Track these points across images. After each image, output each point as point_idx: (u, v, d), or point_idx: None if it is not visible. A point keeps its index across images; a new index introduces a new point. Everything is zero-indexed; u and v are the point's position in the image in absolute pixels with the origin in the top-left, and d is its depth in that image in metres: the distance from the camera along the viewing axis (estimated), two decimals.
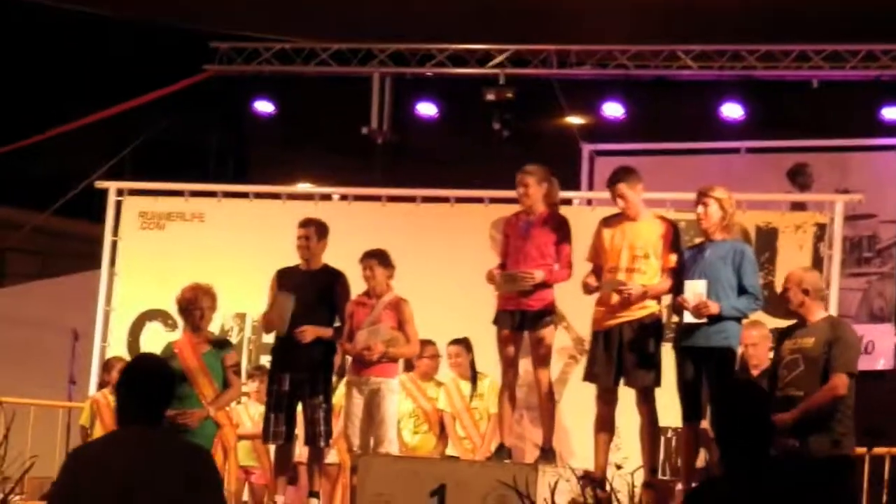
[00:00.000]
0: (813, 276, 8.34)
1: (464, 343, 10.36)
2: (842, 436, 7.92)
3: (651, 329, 8.67)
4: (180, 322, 11.25)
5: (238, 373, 9.71)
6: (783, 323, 10.50)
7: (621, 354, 8.67)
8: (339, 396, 9.89)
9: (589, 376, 8.93)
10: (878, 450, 8.60)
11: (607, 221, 8.91)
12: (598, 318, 8.79)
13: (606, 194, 9.12)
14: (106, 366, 11.09)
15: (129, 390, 5.24)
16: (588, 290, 8.86)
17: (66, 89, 13.33)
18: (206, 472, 5.16)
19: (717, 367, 8.33)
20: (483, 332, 10.20)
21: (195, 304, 9.40)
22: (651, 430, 8.72)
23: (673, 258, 8.75)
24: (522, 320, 8.92)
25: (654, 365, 8.69)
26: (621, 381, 8.74)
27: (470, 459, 10.11)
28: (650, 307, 8.67)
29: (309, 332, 9.40)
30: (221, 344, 9.65)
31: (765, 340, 9.80)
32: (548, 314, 8.96)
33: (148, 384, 5.22)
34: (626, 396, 8.84)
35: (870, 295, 13.14)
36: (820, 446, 7.85)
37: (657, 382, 8.73)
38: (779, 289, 10.66)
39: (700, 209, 8.62)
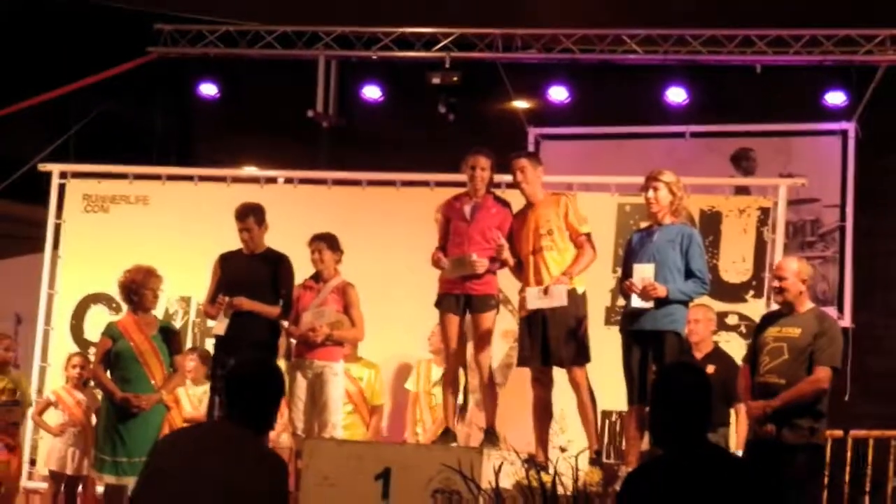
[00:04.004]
0: (808, 268, 8.36)
1: None
2: (817, 425, 7.98)
3: (573, 307, 8.70)
4: (124, 306, 11.22)
5: (183, 356, 9.73)
6: (726, 307, 10.63)
7: (546, 335, 8.71)
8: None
9: (520, 360, 8.99)
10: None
11: (515, 215, 8.97)
12: (523, 303, 8.83)
13: (551, 178, 9.13)
14: (67, 360, 11.05)
15: (238, 388, 5.25)
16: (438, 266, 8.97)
17: (8, 71, 13.19)
18: (282, 486, 5.18)
19: (663, 351, 8.36)
20: (427, 316, 10.23)
21: (142, 285, 9.41)
22: (585, 409, 8.74)
23: (580, 225, 8.80)
24: (467, 304, 8.92)
25: (578, 343, 8.72)
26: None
27: (415, 443, 10.14)
28: (571, 285, 8.70)
29: (245, 303, 9.35)
30: (168, 327, 9.69)
31: (708, 321, 9.86)
32: (492, 298, 8.97)
33: (259, 386, 5.24)
34: (566, 378, 8.86)
35: (813, 279, 13.23)
36: (796, 435, 7.91)
37: (584, 360, 8.76)
38: (723, 274, 10.81)
39: (650, 193, 8.63)
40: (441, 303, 9.00)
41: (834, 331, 8.13)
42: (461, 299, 8.92)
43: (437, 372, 10.50)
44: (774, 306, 8.65)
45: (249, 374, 5.30)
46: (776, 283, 8.26)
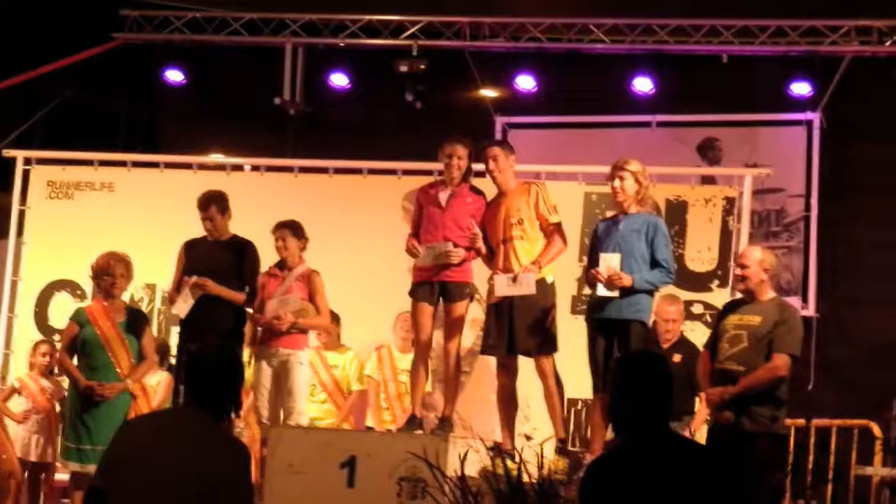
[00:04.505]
0: (772, 257, 8.42)
1: None
2: (777, 413, 8.03)
3: (541, 297, 8.72)
4: (89, 292, 11.18)
5: (154, 344, 9.69)
6: (692, 296, 10.67)
7: (512, 324, 8.73)
8: (250, 368, 9.85)
9: (485, 349, 9.02)
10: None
11: (488, 203, 8.98)
12: (492, 291, 8.84)
13: (518, 167, 9.14)
14: (33, 348, 11.00)
15: (198, 373, 5.31)
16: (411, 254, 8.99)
17: None
18: (243, 472, 5.20)
19: (628, 340, 8.38)
20: (395, 304, 10.25)
21: (109, 271, 9.38)
22: (552, 397, 8.77)
23: (550, 215, 8.82)
24: (441, 292, 8.92)
25: (545, 332, 8.74)
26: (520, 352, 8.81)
27: (380, 431, 10.14)
28: (540, 274, 8.72)
29: (210, 284, 9.33)
30: (137, 315, 9.63)
31: (681, 316, 9.93)
32: (467, 286, 8.98)
33: (219, 372, 5.29)
34: (531, 367, 8.88)
35: (776, 268, 13.28)
36: (756, 423, 7.95)
37: (551, 349, 8.78)
38: (689, 263, 10.86)
39: (616, 183, 8.66)
40: (415, 292, 8.99)
41: (794, 320, 8.19)
42: (436, 287, 8.92)
43: (400, 359, 10.50)
44: (739, 295, 8.69)
45: (209, 360, 5.35)
46: (738, 272, 8.34)
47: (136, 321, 9.47)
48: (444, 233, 8.88)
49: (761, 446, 7.80)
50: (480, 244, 8.87)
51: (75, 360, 9.38)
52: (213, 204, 9.56)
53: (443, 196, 8.98)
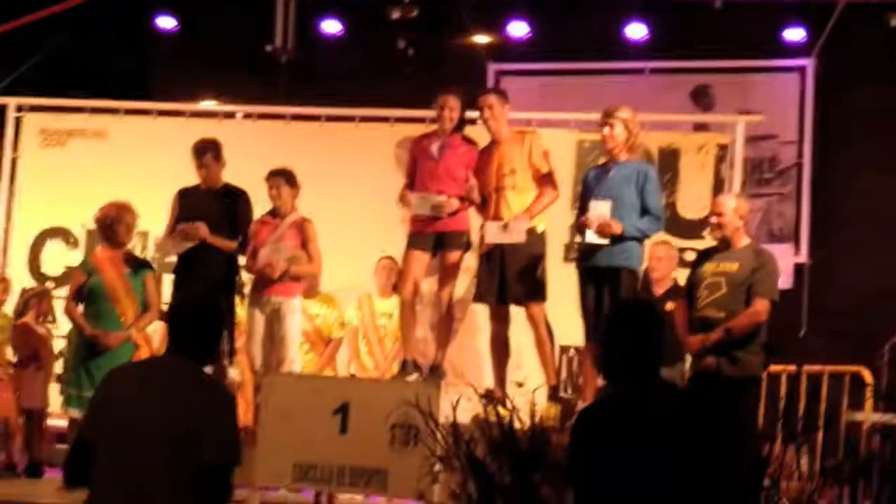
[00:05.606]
0: (747, 204, 8.46)
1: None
2: (758, 357, 8.09)
3: (531, 245, 8.74)
4: (82, 240, 11.18)
5: (158, 294, 9.70)
6: (684, 243, 10.67)
7: (503, 272, 8.74)
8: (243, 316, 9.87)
9: (477, 297, 9.06)
10: (774, 367, 8.75)
11: (480, 151, 8.98)
12: (482, 239, 8.86)
13: (510, 114, 9.12)
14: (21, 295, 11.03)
15: (179, 322, 5.44)
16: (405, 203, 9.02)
17: None
18: (227, 414, 5.28)
19: (618, 287, 8.40)
20: (385, 251, 10.26)
21: (119, 220, 9.39)
22: (543, 344, 8.81)
23: (542, 165, 8.83)
24: (438, 241, 8.93)
25: (535, 281, 8.76)
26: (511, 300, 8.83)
27: (373, 378, 10.17)
28: (531, 224, 8.73)
29: (203, 229, 9.34)
30: (142, 264, 9.65)
31: (671, 259, 9.94)
32: (464, 234, 8.99)
33: (198, 321, 5.40)
34: (523, 315, 8.90)
35: (769, 215, 13.32)
36: (736, 368, 7.99)
37: (541, 297, 8.80)
38: (681, 210, 10.86)
39: (605, 130, 8.66)
40: (412, 241, 8.99)
41: (771, 264, 8.25)
42: (431, 238, 8.93)
43: (380, 304, 10.52)
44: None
45: (188, 307, 5.49)
46: (714, 220, 8.37)
47: (141, 269, 9.48)
48: (439, 185, 8.89)
49: (743, 391, 7.85)
50: (476, 195, 8.88)
51: (81, 308, 9.41)
52: (209, 151, 9.57)
53: (434, 147, 8.98)
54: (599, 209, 8.47)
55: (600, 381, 8.35)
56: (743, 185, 11.20)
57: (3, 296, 10.86)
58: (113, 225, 9.43)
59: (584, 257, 8.63)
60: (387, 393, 7.99)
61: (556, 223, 9.63)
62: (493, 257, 8.78)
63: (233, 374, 9.87)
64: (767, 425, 7.29)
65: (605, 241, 8.46)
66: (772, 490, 5.80)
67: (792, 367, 9.67)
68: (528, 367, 8.77)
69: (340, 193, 11.08)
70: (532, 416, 6.46)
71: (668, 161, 10.94)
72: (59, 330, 11.04)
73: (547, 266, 8.89)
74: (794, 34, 13.05)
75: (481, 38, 13.91)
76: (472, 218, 9.11)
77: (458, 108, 8.99)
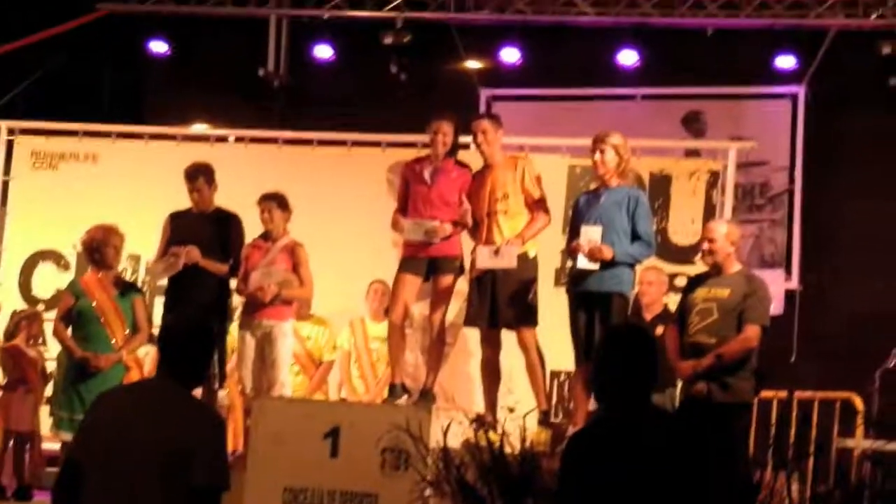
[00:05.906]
0: (737, 230, 8.48)
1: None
2: (747, 383, 8.09)
3: (523, 271, 8.75)
4: (73, 262, 11.18)
5: (147, 317, 9.70)
6: (675, 268, 10.69)
7: (495, 297, 8.75)
8: (234, 339, 9.87)
9: (468, 320, 9.07)
10: (765, 394, 8.76)
11: (473, 175, 8.99)
12: (474, 263, 8.87)
13: (503, 140, 9.14)
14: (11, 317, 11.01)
15: (169, 346, 5.40)
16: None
17: None
18: (216, 439, 5.25)
19: (608, 312, 8.41)
20: (376, 275, 10.26)
21: (106, 242, 9.40)
22: (534, 369, 8.81)
23: (535, 190, 8.84)
24: (431, 267, 8.94)
25: (526, 305, 8.77)
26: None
27: (364, 402, 10.17)
28: (523, 249, 8.75)
29: (194, 253, 9.35)
30: (131, 287, 9.67)
31: (661, 283, 9.95)
32: (456, 259, 9.01)
33: (188, 344, 5.37)
34: (514, 340, 8.90)
35: (761, 241, 13.34)
36: (727, 394, 8.00)
37: (532, 322, 8.81)
38: (672, 236, 10.87)
39: (597, 156, 8.68)
40: (404, 264, 9.01)
41: (763, 290, 8.26)
42: (424, 263, 8.94)
43: (373, 328, 10.52)
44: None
45: (179, 333, 5.42)
46: (706, 246, 8.37)
47: (130, 292, 9.50)
48: (432, 211, 8.92)
49: (733, 417, 7.86)
50: (468, 219, 8.90)
51: (70, 332, 9.40)
52: (202, 175, 9.60)
53: (427, 172, 9.01)
54: (590, 234, 8.48)
55: (591, 406, 8.36)
56: (734, 210, 11.22)
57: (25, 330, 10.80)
58: (100, 248, 9.44)
59: (574, 282, 8.64)
60: (378, 417, 7.98)
61: (547, 248, 9.64)
62: (485, 282, 8.79)
63: (222, 397, 9.88)
64: (758, 451, 7.30)
65: (595, 267, 8.47)
66: None
67: (783, 394, 9.69)
68: (518, 392, 8.76)
69: (332, 218, 11.09)
70: (522, 440, 6.47)
71: (660, 186, 10.95)
72: (50, 353, 11.02)
73: (538, 291, 8.90)
74: (786, 61, 13.09)
75: (474, 64, 13.94)
76: (465, 242, 9.12)
77: (451, 133, 9.02)
